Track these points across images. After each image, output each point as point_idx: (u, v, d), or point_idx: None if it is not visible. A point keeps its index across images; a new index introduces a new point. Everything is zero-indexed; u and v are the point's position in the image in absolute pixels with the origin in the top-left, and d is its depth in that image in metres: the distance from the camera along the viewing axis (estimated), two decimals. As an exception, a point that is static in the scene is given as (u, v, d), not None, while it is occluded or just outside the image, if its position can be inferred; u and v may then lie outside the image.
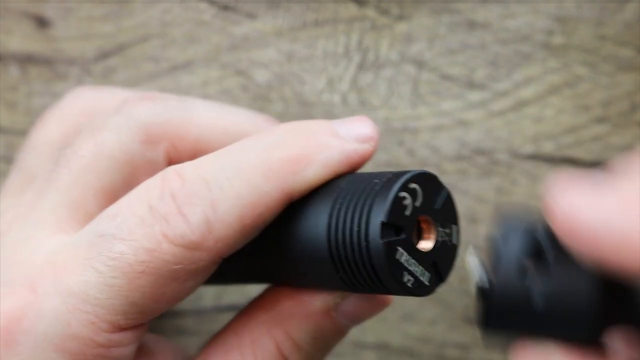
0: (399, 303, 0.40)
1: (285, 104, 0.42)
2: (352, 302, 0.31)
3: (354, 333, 0.40)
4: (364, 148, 0.31)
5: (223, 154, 0.30)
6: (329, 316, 0.31)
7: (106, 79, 0.43)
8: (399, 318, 0.40)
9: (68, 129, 0.35)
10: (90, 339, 0.30)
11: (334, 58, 0.42)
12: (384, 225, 0.28)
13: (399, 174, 0.29)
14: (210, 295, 0.41)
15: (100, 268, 0.29)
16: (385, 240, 0.28)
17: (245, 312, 0.32)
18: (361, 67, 0.41)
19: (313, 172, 0.30)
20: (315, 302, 0.31)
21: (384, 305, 0.32)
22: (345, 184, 0.30)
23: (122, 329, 0.30)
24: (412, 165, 0.40)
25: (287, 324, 0.31)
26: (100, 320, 0.29)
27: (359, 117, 0.32)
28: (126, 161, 0.32)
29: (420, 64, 0.41)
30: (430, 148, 0.41)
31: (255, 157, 0.30)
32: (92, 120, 0.33)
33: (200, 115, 0.33)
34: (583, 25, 0.40)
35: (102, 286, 0.29)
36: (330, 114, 0.41)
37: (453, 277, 0.40)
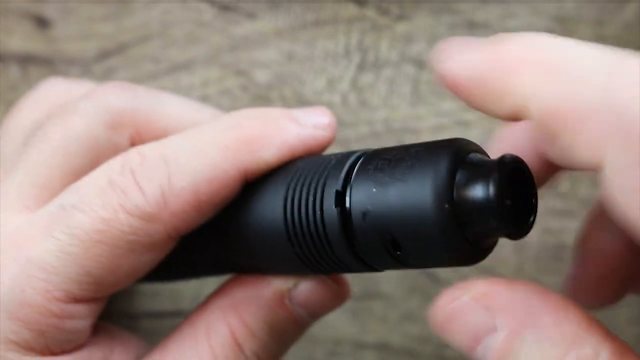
0: (399, 303, 0.40)
1: (285, 104, 0.42)
2: (304, 289, 0.32)
3: (354, 333, 0.40)
4: (321, 134, 0.32)
5: (182, 134, 0.31)
6: (282, 304, 0.32)
7: (106, 79, 0.43)
8: (399, 318, 0.40)
9: (40, 117, 0.35)
10: (44, 307, 0.30)
11: (334, 58, 0.42)
12: (338, 193, 0.28)
13: (355, 151, 0.30)
14: (210, 295, 0.41)
15: (59, 236, 0.30)
16: (340, 208, 0.28)
17: (204, 301, 0.33)
18: (361, 67, 0.41)
19: (269, 152, 0.31)
20: (269, 288, 0.32)
21: (339, 297, 0.32)
22: (302, 163, 0.30)
23: (76, 300, 0.30)
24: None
25: (241, 309, 0.32)
26: (55, 289, 0.30)
27: (317, 107, 0.33)
28: (92, 145, 0.33)
29: (420, 64, 0.41)
30: (431, 148, 0.41)
31: (213, 136, 0.31)
32: (63, 105, 0.34)
33: (168, 107, 0.34)
34: (583, 25, 0.40)
35: (59, 254, 0.30)
36: (330, 114, 0.41)
37: (454, 278, 0.40)
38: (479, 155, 0.27)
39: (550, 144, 0.25)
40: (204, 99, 0.42)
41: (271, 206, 0.30)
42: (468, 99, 0.27)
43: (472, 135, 0.40)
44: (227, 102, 0.42)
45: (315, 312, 0.32)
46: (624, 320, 0.39)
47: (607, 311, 0.34)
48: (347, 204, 0.28)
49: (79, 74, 0.43)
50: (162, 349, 0.32)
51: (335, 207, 0.28)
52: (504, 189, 0.26)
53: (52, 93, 0.36)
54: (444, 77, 0.27)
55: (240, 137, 0.31)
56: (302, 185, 0.29)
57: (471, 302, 0.25)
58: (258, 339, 0.32)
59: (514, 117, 0.26)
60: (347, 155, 0.29)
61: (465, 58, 0.27)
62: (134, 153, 0.31)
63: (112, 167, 0.31)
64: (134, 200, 0.30)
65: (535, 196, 0.27)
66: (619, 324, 0.39)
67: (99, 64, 0.43)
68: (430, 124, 0.41)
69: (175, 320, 0.41)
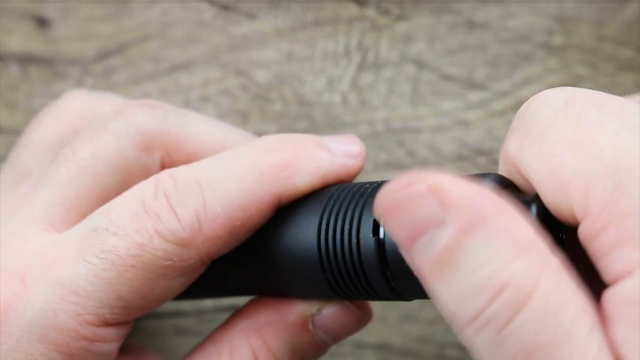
0: (400, 303, 0.40)
1: (285, 104, 0.42)
2: (328, 314, 0.32)
3: (355, 333, 0.40)
4: (352, 163, 0.32)
5: (215, 158, 0.31)
6: (305, 328, 0.32)
7: (106, 79, 0.43)
8: (400, 318, 0.40)
9: (63, 130, 0.35)
10: (75, 331, 0.30)
11: (334, 58, 0.42)
12: (376, 223, 0.28)
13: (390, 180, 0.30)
14: (211, 295, 0.41)
15: (92, 260, 0.30)
16: (377, 237, 0.28)
17: (226, 322, 0.33)
18: (361, 67, 0.41)
19: (302, 179, 0.31)
20: (293, 312, 0.32)
21: (361, 321, 0.32)
22: (335, 190, 0.31)
23: (107, 323, 0.30)
24: (413, 165, 0.40)
25: (264, 333, 0.32)
26: (86, 313, 0.30)
27: (347, 135, 0.33)
28: (122, 166, 0.33)
29: (420, 64, 0.41)
30: (431, 148, 0.41)
31: (246, 161, 0.31)
32: (92, 122, 0.33)
33: (198, 129, 0.34)
34: (583, 25, 0.40)
35: (92, 278, 0.30)
36: (330, 114, 0.41)
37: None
38: (514, 191, 0.27)
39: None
40: (204, 99, 0.42)
41: (304, 232, 0.30)
42: None
43: (472, 135, 0.40)
44: (227, 102, 0.42)
45: (337, 336, 0.32)
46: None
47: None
48: (382, 234, 0.28)
49: (79, 74, 0.43)
50: None
51: (373, 235, 0.28)
52: (538, 225, 0.26)
53: (75, 106, 0.36)
54: None
55: (274, 163, 0.31)
56: (338, 212, 0.30)
57: (425, 191, 0.23)
58: None
59: None
60: (384, 183, 0.29)
61: None
62: (166, 176, 0.31)
63: (145, 190, 0.31)
64: (169, 225, 0.30)
65: (565, 232, 0.27)
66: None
67: (98, 64, 0.43)
68: (430, 124, 0.41)
69: (175, 320, 0.41)
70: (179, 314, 0.41)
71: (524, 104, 0.27)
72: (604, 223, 0.23)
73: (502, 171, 0.28)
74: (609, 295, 0.23)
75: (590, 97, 0.25)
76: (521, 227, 0.23)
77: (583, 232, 0.24)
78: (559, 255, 0.24)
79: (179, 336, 0.41)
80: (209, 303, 0.41)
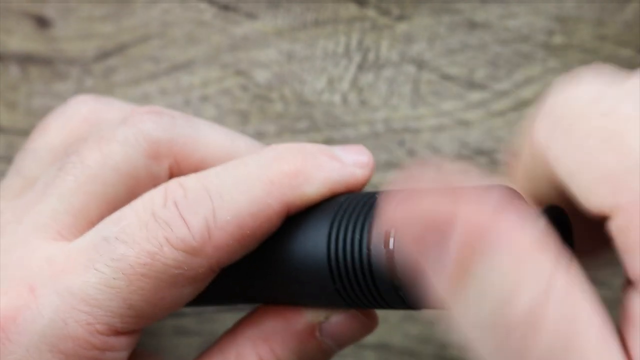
0: (399, 303, 0.40)
1: (285, 104, 0.42)
2: (335, 322, 0.32)
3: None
4: (361, 173, 0.32)
5: (225, 166, 0.31)
6: (313, 336, 0.32)
7: (106, 79, 0.43)
8: (400, 318, 0.40)
9: (70, 136, 0.35)
10: (85, 341, 0.30)
11: (334, 58, 0.42)
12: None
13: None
14: (211, 295, 0.41)
15: (102, 269, 0.30)
16: (387, 247, 0.28)
17: (233, 329, 0.33)
18: (361, 67, 0.41)
19: (312, 187, 0.31)
20: (301, 320, 0.32)
21: (367, 328, 0.32)
22: (344, 199, 0.31)
23: (118, 332, 0.30)
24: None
25: (272, 340, 0.32)
26: (97, 322, 0.30)
27: (356, 145, 0.33)
28: (131, 174, 0.32)
29: (420, 64, 0.41)
30: (431, 148, 0.41)
31: (256, 170, 0.31)
32: (99, 129, 0.33)
33: (207, 137, 0.34)
34: (583, 25, 0.40)
35: (102, 287, 0.30)
36: (330, 114, 0.41)
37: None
38: (521, 204, 0.27)
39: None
40: (204, 99, 0.42)
41: (313, 242, 0.30)
42: None
43: (473, 135, 0.40)
44: (227, 102, 0.42)
45: (343, 343, 0.32)
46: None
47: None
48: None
49: (79, 74, 0.43)
50: None
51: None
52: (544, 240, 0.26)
53: (81, 112, 0.36)
54: None
55: (284, 171, 0.31)
56: (347, 222, 0.30)
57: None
58: None
59: None
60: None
61: None
62: (176, 185, 0.31)
63: (154, 199, 0.31)
64: (179, 234, 0.30)
65: (572, 244, 0.27)
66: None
67: (99, 64, 0.43)
68: (431, 124, 0.41)
69: (176, 320, 0.41)
70: (179, 314, 0.41)
71: (554, 91, 0.27)
72: (633, 220, 0.23)
73: (524, 155, 0.28)
74: (632, 296, 0.23)
75: (623, 91, 0.25)
76: (531, 229, 0.24)
77: (611, 227, 0.24)
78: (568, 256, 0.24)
79: (179, 336, 0.41)
80: (209, 303, 0.41)
